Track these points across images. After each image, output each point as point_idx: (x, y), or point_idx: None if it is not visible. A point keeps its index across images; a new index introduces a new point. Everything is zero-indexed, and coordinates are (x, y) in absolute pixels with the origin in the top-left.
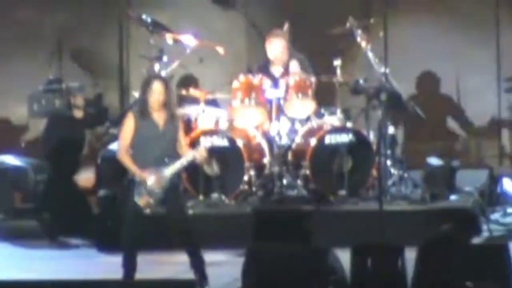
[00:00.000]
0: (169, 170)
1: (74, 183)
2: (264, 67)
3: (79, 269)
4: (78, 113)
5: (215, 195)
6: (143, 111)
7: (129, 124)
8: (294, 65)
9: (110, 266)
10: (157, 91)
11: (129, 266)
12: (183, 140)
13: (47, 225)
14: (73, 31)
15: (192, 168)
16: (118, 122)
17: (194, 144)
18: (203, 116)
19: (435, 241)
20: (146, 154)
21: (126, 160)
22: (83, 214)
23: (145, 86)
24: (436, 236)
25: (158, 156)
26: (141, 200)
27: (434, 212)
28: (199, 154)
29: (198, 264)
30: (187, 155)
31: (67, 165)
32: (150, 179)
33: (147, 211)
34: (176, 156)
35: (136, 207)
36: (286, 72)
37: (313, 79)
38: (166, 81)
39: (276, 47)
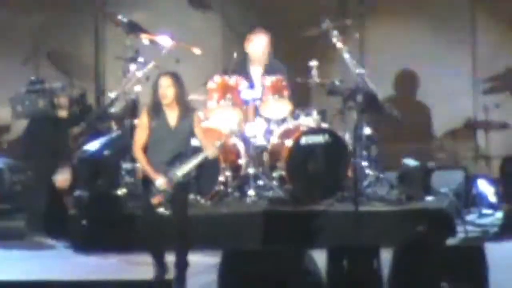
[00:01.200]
0: (181, 170)
1: (51, 183)
2: (241, 64)
3: (55, 270)
4: (62, 113)
5: (191, 196)
6: (154, 109)
7: (142, 122)
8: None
9: (86, 266)
10: (164, 86)
11: (158, 266)
12: (200, 136)
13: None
14: (49, 32)
15: None
16: (94, 123)
17: None
18: None
19: (410, 242)
20: (158, 153)
21: (140, 158)
22: (59, 215)
23: (155, 83)
24: (411, 237)
25: (171, 155)
26: (154, 199)
27: (410, 213)
28: (211, 153)
29: (182, 267)
30: (199, 155)
31: (47, 165)
32: (160, 179)
33: (160, 210)
34: (189, 154)
35: (150, 206)
36: (265, 74)
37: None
38: (174, 76)
39: (258, 44)
